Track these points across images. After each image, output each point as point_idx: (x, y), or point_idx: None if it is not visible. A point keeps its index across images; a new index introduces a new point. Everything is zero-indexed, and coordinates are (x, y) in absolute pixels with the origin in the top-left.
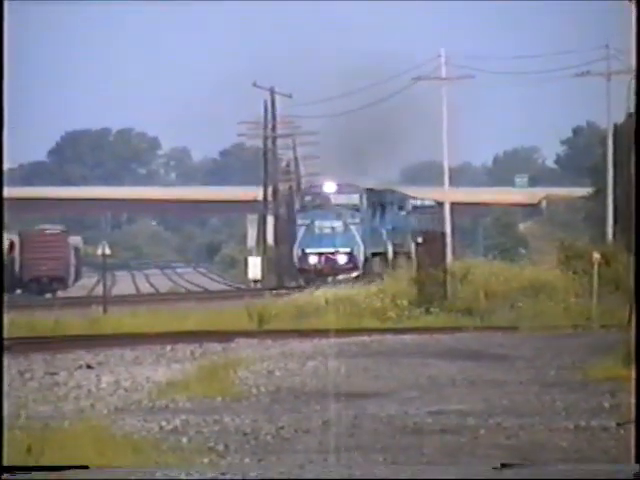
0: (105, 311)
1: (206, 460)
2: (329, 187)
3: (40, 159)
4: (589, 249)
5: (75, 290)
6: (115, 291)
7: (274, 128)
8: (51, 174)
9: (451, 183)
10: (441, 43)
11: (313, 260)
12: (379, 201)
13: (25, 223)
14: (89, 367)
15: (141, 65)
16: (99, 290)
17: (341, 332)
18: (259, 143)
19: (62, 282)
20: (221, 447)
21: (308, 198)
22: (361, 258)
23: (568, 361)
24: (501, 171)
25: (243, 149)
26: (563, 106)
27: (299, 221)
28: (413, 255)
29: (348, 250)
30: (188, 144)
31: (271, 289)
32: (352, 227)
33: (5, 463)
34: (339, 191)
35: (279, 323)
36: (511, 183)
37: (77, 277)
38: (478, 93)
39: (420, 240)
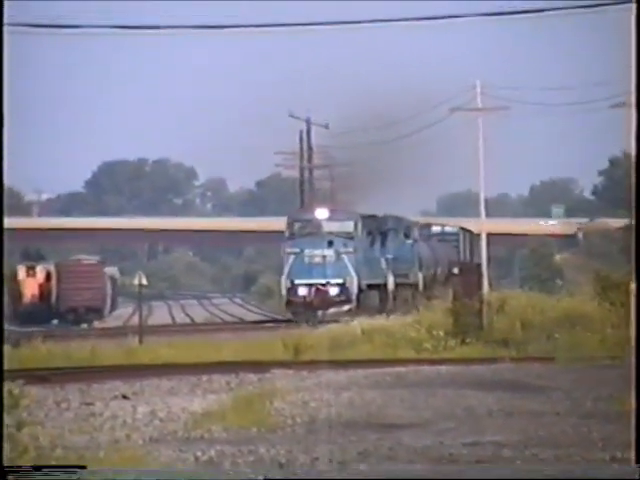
0: (141, 341)
1: None
2: (321, 213)
3: (77, 190)
4: (626, 280)
5: (111, 320)
6: (151, 321)
7: (310, 159)
8: (88, 204)
9: (487, 213)
10: (477, 74)
11: (302, 292)
12: (379, 228)
13: (62, 253)
14: (125, 397)
15: (178, 95)
16: (135, 320)
17: (377, 363)
18: (296, 173)
19: (98, 312)
20: (259, 478)
21: (298, 225)
22: (354, 290)
23: (605, 392)
24: (538, 202)
25: (280, 180)
26: (600, 137)
27: (287, 249)
28: (421, 286)
29: (340, 281)
30: (225, 174)
31: (306, 320)
32: (344, 256)
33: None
34: (332, 217)
35: (315, 354)
36: (548, 214)
37: (113, 307)
38: (514, 124)
39: (456, 271)
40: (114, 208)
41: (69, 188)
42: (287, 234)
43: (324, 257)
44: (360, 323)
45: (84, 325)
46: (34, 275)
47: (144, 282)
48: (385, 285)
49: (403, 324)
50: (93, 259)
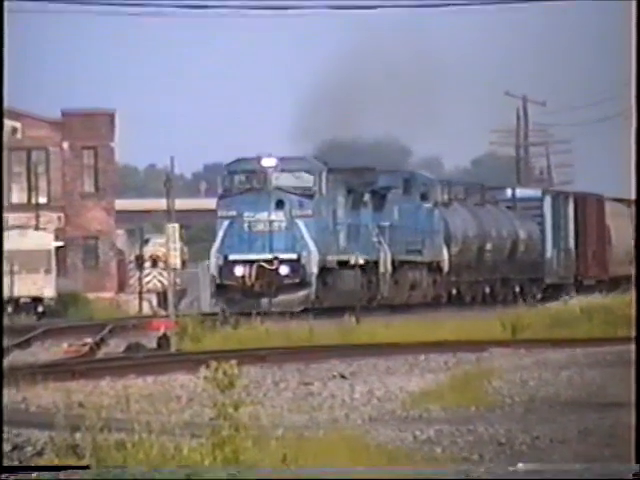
0: (358, 321)
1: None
2: (267, 162)
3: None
4: None
5: None
6: None
7: (526, 136)
8: None
9: None
10: None
11: (240, 271)
12: (369, 185)
13: None
14: (343, 377)
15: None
16: None
17: (596, 341)
18: (511, 152)
19: None
20: (475, 457)
21: (237, 178)
22: (313, 269)
23: None
24: None
25: (495, 158)
26: None
27: (220, 212)
28: (446, 267)
29: (293, 256)
30: (440, 153)
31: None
32: (300, 222)
33: (260, 475)
34: (283, 167)
35: (533, 332)
36: None
37: None
38: None
39: None
40: None
41: None
42: (220, 190)
43: (271, 223)
44: (579, 301)
45: None
46: None
47: (360, 262)
48: (376, 263)
49: (623, 302)
50: None
